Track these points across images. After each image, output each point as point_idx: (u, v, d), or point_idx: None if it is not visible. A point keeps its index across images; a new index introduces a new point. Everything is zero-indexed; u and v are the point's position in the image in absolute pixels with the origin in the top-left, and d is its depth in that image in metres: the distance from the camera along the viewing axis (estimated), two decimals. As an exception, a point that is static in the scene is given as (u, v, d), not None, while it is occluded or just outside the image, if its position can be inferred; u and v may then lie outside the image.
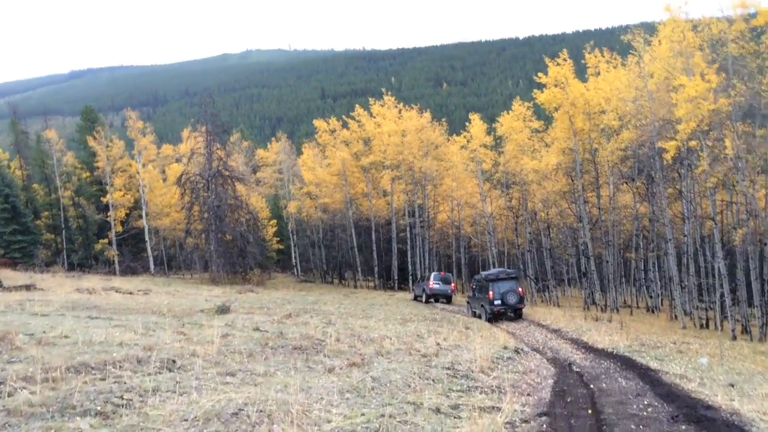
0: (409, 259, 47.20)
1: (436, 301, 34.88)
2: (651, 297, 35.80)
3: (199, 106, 48.33)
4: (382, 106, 46.73)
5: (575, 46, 37.16)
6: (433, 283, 35.00)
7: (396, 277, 49.00)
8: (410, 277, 46.21)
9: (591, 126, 33.80)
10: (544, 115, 38.83)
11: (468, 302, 29.03)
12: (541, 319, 25.31)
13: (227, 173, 48.10)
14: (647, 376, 11.21)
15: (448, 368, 10.27)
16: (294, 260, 65.03)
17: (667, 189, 29.48)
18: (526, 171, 36.95)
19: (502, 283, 25.11)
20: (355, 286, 52.48)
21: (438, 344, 14.14)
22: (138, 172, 53.56)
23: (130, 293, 32.24)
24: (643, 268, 37.40)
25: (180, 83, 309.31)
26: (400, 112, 46.48)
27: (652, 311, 34.54)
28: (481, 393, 8.49)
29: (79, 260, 61.33)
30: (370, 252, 50.53)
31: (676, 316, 29.77)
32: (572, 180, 35.50)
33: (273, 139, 67.35)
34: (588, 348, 17.37)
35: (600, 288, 36.34)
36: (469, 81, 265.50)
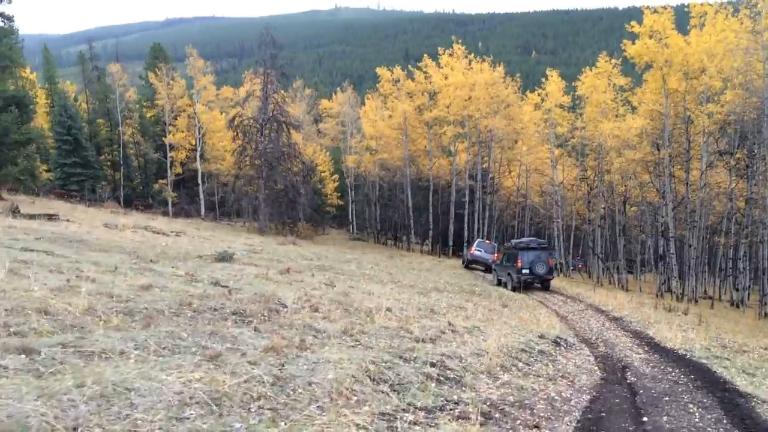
0: (466, 225, 43.56)
1: (488, 271, 31.51)
2: (737, 290, 31.01)
3: (258, 44, 45.51)
4: (451, 56, 42.63)
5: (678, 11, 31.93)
6: (475, 249, 32.29)
7: (451, 243, 45.49)
8: (465, 245, 42.70)
9: (687, 88, 28.95)
10: (632, 73, 33.95)
11: (494, 269, 27.82)
12: (602, 303, 21.44)
13: (283, 119, 45.54)
14: (734, 405, 7.58)
15: (435, 364, 6.99)
16: (350, 217, 62.55)
17: (772, 165, 24.68)
18: (605, 136, 32.45)
19: (533, 252, 24.31)
20: (409, 249, 49.40)
21: (450, 324, 10.87)
22: (195, 112, 51.78)
23: (161, 233, 30.52)
24: (731, 255, 32.57)
25: (276, 40, 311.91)
26: (470, 63, 42.23)
27: (737, 306, 29.91)
28: (450, 419, 5.21)
29: (136, 198, 61.07)
30: (427, 214, 47.15)
31: (766, 315, 25.29)
32: (658, 149, 30.86)
33: (338, 89, 64.32)
34: (653, 346, 13.65)
35: (678, 274, 31.80)
36: (559, 50, 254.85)
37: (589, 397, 7.38)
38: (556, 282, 30.10)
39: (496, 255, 30.76)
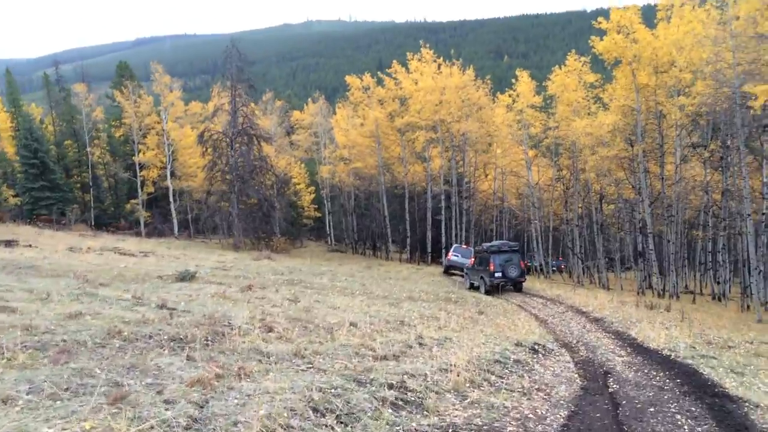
0: (443, 231, 42.92)
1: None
2: (718, 283, 30.68)
3: (224, 58, 44.64)
4: (420, 61, 42.06)
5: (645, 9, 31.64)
6: (452, 255, 31.99)
7: (430, 250, 44.77)
8: (443, 251, 42.02)
9: (658, 82, 28.62)
10: (602, 70, 33.62)
11: (466, 273, 27.80)
12: (583, 305, 20.83)
13: (253, 132, 44.66)
14: (726, 412, 6.93)
15: (395, 386, 6.26)
16: (328, 229, 61.66)
17: (747, 156, 24.30)
18: (578, 134, 32.05)
19: (504, 255, 24.49)
20: (387, 258, 48.62)
21: (419, 337, 10.17)
22: (164, 129, 50.69)
23: (129, 254, 29.51)
24: (710, 249, 32.27)
25: (243, 54, 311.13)
26: (439, 67, 41.68)
27: (719, 299, 29.58)
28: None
29: (107, 219, 59.65)
30: (404, 222, 46.46)
31: (749, 307, 24.96)
32: (631, 145, 30.48)
33: (309, 100, 63.52)
34: (636, 347, 13.05)
35: (658, 270, 31.40)
36: (531, 54, 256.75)
37: (566, 412, 6.68)
38: (536, 284, 29.56)
39: (472, 259, 30.27)
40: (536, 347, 11.68)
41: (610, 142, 31.36)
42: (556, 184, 40.70)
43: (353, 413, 5.19)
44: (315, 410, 5.00)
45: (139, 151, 51.65)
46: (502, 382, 7.88)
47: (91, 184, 58.46)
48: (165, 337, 7.10)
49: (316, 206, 63.16)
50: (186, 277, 16.27)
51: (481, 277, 24.93)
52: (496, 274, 24.05)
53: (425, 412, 5.78)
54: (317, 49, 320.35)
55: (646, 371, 10.02)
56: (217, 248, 42.93)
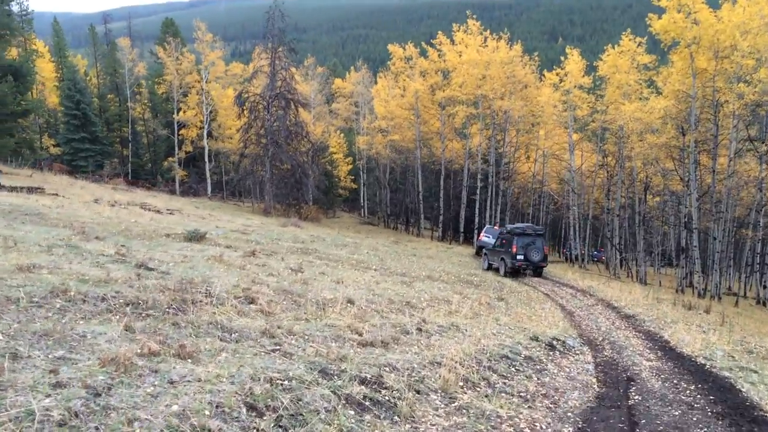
0: (477, 211, 41.57)
1: None
2: (765, 287, 28.84)
3: (266, 19, 43.65)
4: (466, 32, 40.38)
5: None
6: (484, 236, 30.62)
7: (462, 230, 43.53)
8: (476, 231, 40.72)
9: (717, 68, 26.62)
10: (658, 51, 31.61)
11: (485, 254, 26.78)
12: (615, 299, 19.49)
13: (290, 96, 43.74)
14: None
15: (368, 381, 5.29)
16: (362, 200, 60.82)
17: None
18: (627, 118, 30.26)
19: (528, 238, 23.89)
20: (418, 235, 47.57)
21: (422, 321, 9.17)
22: (203, 88, 50.21)
23: (155, 210, 29.23)
24: (759, 250, 30.35)
25: (291, 19, 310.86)
26: (485, 40, 39.96)
27: (764, 304, 27.81)
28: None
29: (144, 175, 59.97)
30: (438, 199, 45.24)
31: (797, 316, 23.22)
32: (683, 134, 28.60)
33: (352, 68, 62.26)
34: (667, 351, 11.83)
35: (701, 269, 29.65)
36: (587, 38, 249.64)
37: (571, 429, 5.61)
38: (569, 273, 28.20)
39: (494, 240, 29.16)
40: (554, 343, 10.58)
41: (660, 129, 29.53)
42: (599, 170, 38.89)
43: (301, 414, 4.23)
44: (251, 408, 4.05)
45: (180, 110, 51.38)
46: (504, 384, 6.83)
47: (130, 139, 58.74)
48: (120, 301, 6.24)
49: (353, 177, 62.28)
50: (194, 237, 15.55)
51: (502, 259, 24.38)
52: (518, 257, 23.48)
53: (395, 418, 4.80)
54: (368, 20, 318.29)
55: (675, 382, 8.84)
56: (248, 212, 42.52)
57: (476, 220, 41.23)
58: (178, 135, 51.94)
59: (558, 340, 10.98)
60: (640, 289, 24.18)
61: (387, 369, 5.91)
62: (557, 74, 36.76)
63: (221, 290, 7.92)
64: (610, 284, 24.64)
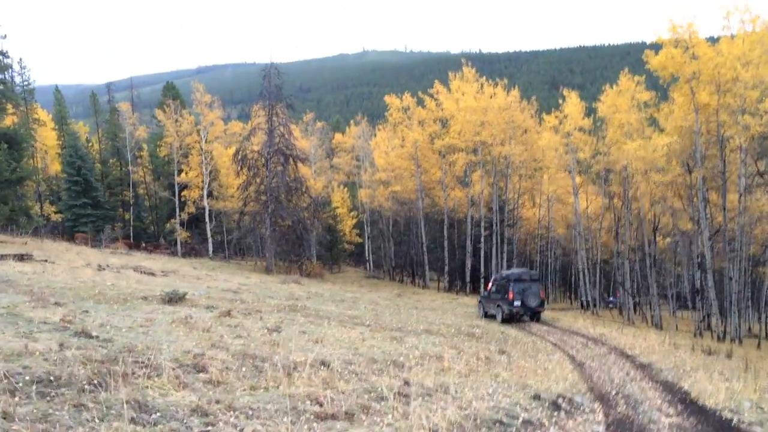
0: (483, 260, 40.45)
1: None
2: (788, 327, 27.36)
3: (263, 77, 43.70)
4: (461, 79, 40.14)
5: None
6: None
7: (468, 279, 42.28)
8: (482, 281, 39.48)
9: (720, 102, 25.87)
10: (657, 88, 31.02)
11: (480, 302, 26.63)
12: (629, 346, 18.18)
13: (288, 152, 43.37)
14: None
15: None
16: (367, 254, 59.81)
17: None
18: (630, 157, 29.43)
19: (524, 284, 23.69)
20: (424, 286, 46.34)
21: (405, 384, 8.08)
22: (202, 149, 50.04)
23: (149, 273, 28.29)
24: (779, 289, 28.96)
25: (295, 80, 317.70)
26: (482, 87, 39.65)
27: (788, 346, 26.27)
28: None
29: (147, 238, 59.45)
30: (442, 249, 44.19)
31: (825, 358, 21.68)
32: (689, 171, 27.69)
33: (351, 122, 62.26)
34: (689, 404, 10.60)
35: (718, 311, 28.22)
36: (587, 85, 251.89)
37: None
38: (579, 321, 26.86)
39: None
40: (560, 401, 9.39)
41: (666, 168, 28.64)
42: (606, 213, 37.86)
43: None
44: None
45: (181, 171, 51.16)
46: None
47: (131, 202, 58.50)
48: (26, 378, 5.24)
49: (358, 231, 61.48)
50: (173, 298, 14.58)
51: (498, 305, 24.06)
52: (515, 303, 23.28)
53: None
54: (371, 77, 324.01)
55: (699, 444, 7.65)
56: (249, 270, 41.56)
57: (482, 269, 40.04)
58: (180, 196, 51.52)
59: (564, 397, 9.79)
60: (656, 335, 22.84)
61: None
62: (556, 117, 36.21)
63: (167, 358, 6.91)
64: (623, 331, 23.30)
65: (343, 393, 6.74)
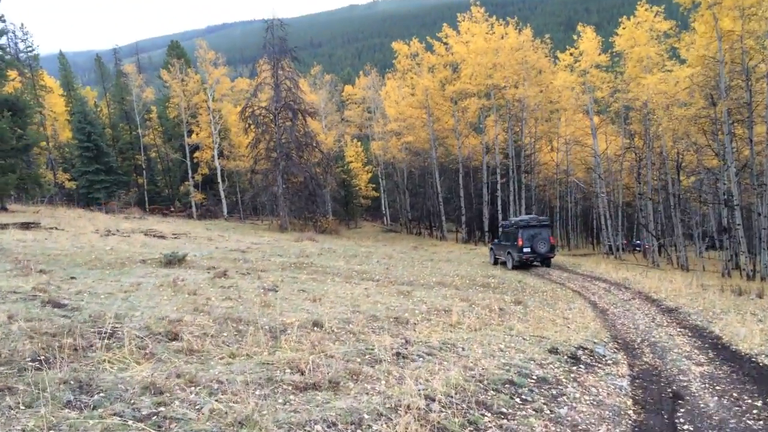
0: (500, 208, 39.45)
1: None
2: (821, 263, 26.16)
3: (265, 29, 42.29)
4: (471, 20, 38.38)
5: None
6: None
7: (487, 229, 41.36)
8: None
9: (745, 28, 24.21)
10: (676, 16, 29.23)
11: (491, 249, 26.61)
12: (655, 290, 17.33)
13: (297, 106, 42.23)
14: None
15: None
16: (383, 208, 59.00)
17: None
18: (650, 92, 27.97)
19: (533, 230, 23.48)
20: (442, 238, 45.57)
21: (406, 343, 7.35)
22: (209, 108, 49.08)
23: (160, 236, 27.86)
24: (811, 223, 27.65)
25: (306, 34, 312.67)
26: (492, 27, 37.90)
27: (822, 282, 25.12)
28: None
29: (162, 202, 59.16)
30: (459, 199, 43.19)
31: None
32: (713, 104, 26.21)
33: (361, 73, 60.61)
34: (721, 350, 9.83)
35: (747, 249, 27.11)
36: (604, 24, 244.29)
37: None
38: (601, 266, 25.99)
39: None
40: (579, 353, 8.65)
41: (688, 101, 27.15)
42: (627, 153, 36.46)
43: None
44: None
45: (191, 132, 50.39)
46: (498, 428, 4.95)
47: (144, 166, 57.99)
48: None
49: (374, 186, 60.51)
50: (172, 260, 14.00)
51: (509, 252, 23.89)
52: (525, 249, 23.12)
53: None
54: (382, 28, 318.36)
55: (735, 396, 6.84)
56: (264, 230, 41.06)
57: (500, 217, 39.08)
58: (192, 158, 50.85)
59: (584, 348, 9.04)
60: (682, 277, 21.91)
61: (319, 428, 4.11)
62: (571, 54, 34.50)
63: (137, 326, 6.21)
64: (648, 274, 22.43)
65: (332, 357, 6.01)
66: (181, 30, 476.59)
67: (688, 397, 6.85)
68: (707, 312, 13.26)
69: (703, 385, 7.41)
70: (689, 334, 11.25)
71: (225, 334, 6.67)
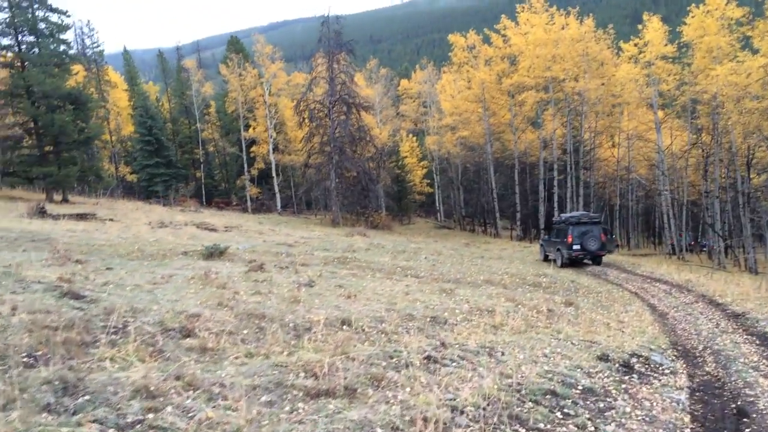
0: (557, 206, 38.21)
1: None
2: None
3: (321, 24, 42.26)
4: (530, 10, 37.22)
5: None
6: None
7: (543, 227, 40.17)
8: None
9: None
10: (750, 2, 27.52)
11: (541, 245, 26.21)
12: (719, 293, 16.18)
13: (351, 100, 42.03)
14: None
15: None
16: (437, 204, 58.28)
17: None
18: (720, 84, 26.43)
19: (584, 227, 22.79)
20: (496, 235, 44.58)
21: (441, 345, 6.81)
22: (266, 102, 49.44)
23: (211, 229, 28.13)
24: None
25: (366, 30, 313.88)
26: (552, 17, 36.65)
27: None
28: None
29: (218, 195, 60.15)
30: (514, 195, 42.11)
31: None
32: (789, 96, 24.56)
33: (417, 66, 59.96)
34: (794, 363, 8.89)
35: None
36: (673, 17, 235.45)
37: None
38: (663, 266, 24.71)
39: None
40: (633, 361, 7.92)
41: (761, 93, 25.51)
42: (693, 149, 34.68)
43: None
44: None
45: (249, 126, 50.99)
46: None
47: (202, 160, 59.04)
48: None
49: (429, 181, 59.89)
50: (214, 253, 13.86)
51: (558, 249, 23.39)
52: (575, 246, 22.48)
53: None
54: (442, 24, 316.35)
55: (812, 416, 6.05)
56: (316, 224, 41.06)
57: (556, 214, 37.86)
58: (249, 152, 51.44)
59: (639, 356, 8.30)
60: (750, 280, 20.53)
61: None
62: (635, 44, 32.95)
63: (152, 321, 5.89)
64: (712, 276, 21.14)
65: (353, 360, 5.53)
66: (244, 27, 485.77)
67: (754, 415, 6.10)
68: (778, 319, 12.19)
69: (774, 403, 6.61)
70: (757, 342, 10.31)
71: (245, 332, 6.30)
